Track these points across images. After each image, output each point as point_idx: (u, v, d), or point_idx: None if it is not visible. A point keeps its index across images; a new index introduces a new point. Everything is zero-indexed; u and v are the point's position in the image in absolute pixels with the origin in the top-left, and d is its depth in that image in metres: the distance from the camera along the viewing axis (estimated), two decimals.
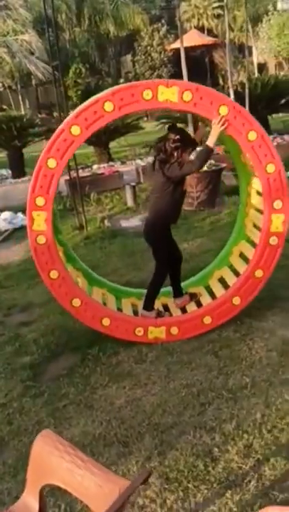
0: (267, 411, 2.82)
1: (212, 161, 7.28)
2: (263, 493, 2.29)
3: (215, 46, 26.24)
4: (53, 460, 1.52)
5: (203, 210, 6.93)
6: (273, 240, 3.60)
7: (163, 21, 25.60)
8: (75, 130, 3.33)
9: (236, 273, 3.98)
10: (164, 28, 25.09)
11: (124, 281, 4.91)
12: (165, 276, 3.98)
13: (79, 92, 23.32)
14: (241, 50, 23.56)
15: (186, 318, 3.77)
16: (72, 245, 6.47)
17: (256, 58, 24.68)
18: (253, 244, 3.88)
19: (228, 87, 18.93)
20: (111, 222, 7.13)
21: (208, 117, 3.48)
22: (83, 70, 22.92)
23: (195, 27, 27.37)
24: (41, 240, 3.45)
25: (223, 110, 3.37)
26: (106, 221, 7.10)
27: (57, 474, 1.51)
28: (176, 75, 23.48)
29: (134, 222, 7.03)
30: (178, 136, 3.58)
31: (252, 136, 3.41)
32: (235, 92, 9.64)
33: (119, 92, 3.32)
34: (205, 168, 6.99)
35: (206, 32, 27.50)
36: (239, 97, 9.09)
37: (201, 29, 27.40)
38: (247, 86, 8.57)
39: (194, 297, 4.10)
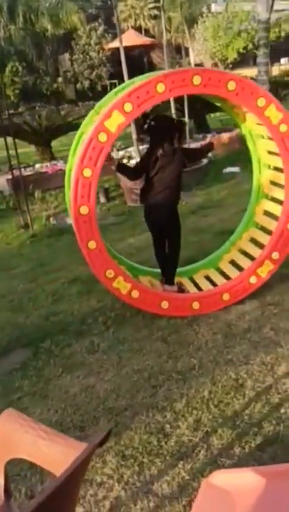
0: (214, 388, 3.02)
1: None
2: (212, 460, 2.47)
3: (153, 46, 26.65)
4: (17, 435, 1.62)
5: (142, 203, 7.09)
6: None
7: (100, 20, 25.64)
8: (128, 107, 3.40)
9: (248, 256, 4.27)
10: (102, 28, 25.15)
11: (73, 276, 4.99)
12: (179, 247, 4.23)
13: (17, 91, 22.95)
14: (178, 51, 24.04)
15: (208, 294, 4.01)
16: (18, 244, 6.48)
17: (193, 59, 25.27)
18: (265, 230, 4.23)
19: None
20: (57, 219, 7.16)
21: (246, 106, 3.71)
22: (20, 68, 22.56)
23: (132, 27, 27.62)
24: (84, 210, 3.52)
25: (261, 102, 3.59)
26: (52, 219, 7.12)
27: (22, 448, 1.61)
28: (116, 74, 23.65)
29: None
30: (180, 123, 4.06)
31: (261, 102, 3.63)
32: None
33: (171, 75, 3.45)
34: None
35: (143, 32, 27.83)
36: (178, 97, 9.34)
37: (138, 29, 27.68)
38: None
39: (182, 292, 4.24)
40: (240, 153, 8.39)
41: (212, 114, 13.59)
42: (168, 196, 4.01)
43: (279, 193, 4.08)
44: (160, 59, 26.68)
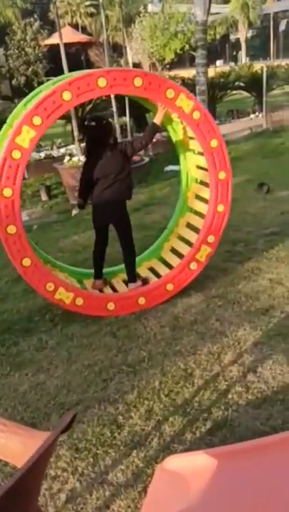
0: (164, 379, 3.09)
1: None
2: (164, 447, 2.54)
3: (90, 44, 26.49)
4: None
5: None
6: (221, 207, 4.05)
7: (35, 16, 25.14)
8: (66, 95, 3.38)
9: (187, 242, 4.35)
10: (37, 23, 24.68)
11: (17, 275, 4.89)
12: (133, 245, 4.22)
13: None
14: (116, 50, 24.11)
15: (153, 287, 4.04)
16: None
17: (131, 58, 25.42)
18: (198, 214, 4.35)
19: None
20: None
21: (156, 99, 3.74)
22: None
23: (69, 24, 27.34)
24: (12, 230, 3.46)
25: (170, 93, 3.65)
26: None
27: None
28: (52, 70, 23.29)
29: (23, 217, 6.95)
30: (105, 122, 4.03)
31: (196, 115, 3.77)
32: None
33: (75, 81, 3.42)
34: None
35: (80, 30, 27.62)
36: (117, 96, 9.39)
37: (75, 26, 27.44)
38: None
39: (146, 282, 4.22)
40: (181, 152, 8.57)
41: (152, 113, 13.75)
42: (114, 193, 3.99)
43: (205, 176, 4.20)
44: (98, 57, 26.57)
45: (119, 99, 9.27)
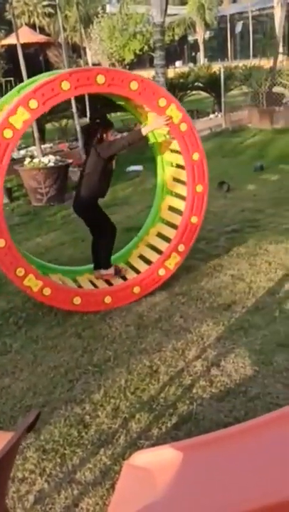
0: (129, 376, 3.13)
1: (58, 157, 7.44)
2: (131, 444, 2.58)
3: (48, 44, 26.22)
4: None
5: (53, 205, 7.06)
6: (194, 219, 4.19)
7: None
8: (65, 85, 3.44)
9: (156, 250, 4.45)
10: None
11: None
12: (111, 236, 4.30)
13: None
14: (75, 50, 23.97)
15: (120, 288, 4.11)
16: None
17: (90, 59, 25.33)
18: (170, 225, 4.48)
19: None
20: None
21: (149, 106, 3.86)
22: None
23: (26, 24, 26.98)
24: None
25: (162, 102, 3.77)
26: None
27: None
28: (10, 71, 22.93)
29: None
30: (98, 120, 4.10)
31: (183, 127, 3.89)
32: None
33: (76, 73, 3.52)
34: (52, 163, 7.14)
35: (38, 30, 27.30)
36: (78, 96, 9.36)
37: (32, 26, 27.10)
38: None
39: (119, 272, 4.37)
40: (143, 153, 8.63)
41: (113, 114, 13.76)
42: (85, 188, 4.08)
43: (182, 190, 4.30)
44: (57, 58, 26.34)
45: (80, 100, 9.24)
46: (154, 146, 4.55)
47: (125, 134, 7.22)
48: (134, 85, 3.67)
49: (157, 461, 2.31)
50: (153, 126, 3.97)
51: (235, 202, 6.56)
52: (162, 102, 3.80)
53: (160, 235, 4.61)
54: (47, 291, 3.79)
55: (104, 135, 4.01)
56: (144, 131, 3.92)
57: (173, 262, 4.21)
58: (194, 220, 4.22)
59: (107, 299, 4.00)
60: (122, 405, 2.87)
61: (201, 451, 2.28)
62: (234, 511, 1.88)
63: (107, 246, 4.33)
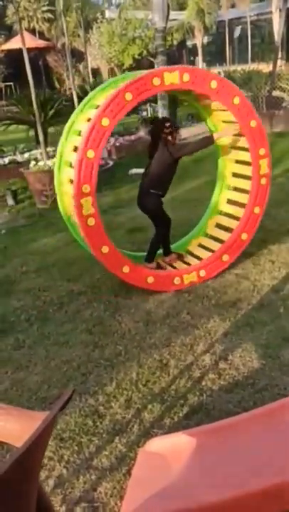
0: (140, 370, 3.24)
1: None
2: (145, 432, 2.68)
3: (48, 49, 26.42)
4: None
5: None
6: (263, 181, 4.44)
7: None
8: (128, 96, 3.76)
9: (216, 240, 4.76)
10: None
11: None
12: (164, 236, 4.67)
13: None
14: (74, 55, 24.14)
15: (209, 261, 4.47)
16: None
17: (90, 63, 25.51)
18: (230, 216, 4.80)
19: (65, 90, 19.15)
20: None
21: (225, 104, 4.15)
22: None
23: (26, 29, 27.15)
24: (86, 188, 3.79)
25: (236, 100, 4.11)
26: None
27: None
28: (11, 75, 23.08)
29: None
30: (168, 123, 4.31)
31: (236, 100, 4.13)
32: (77, 95, 10.02)
33: (133, 83, 3.78)
34: None
35: (37, 35, 27.49)
36: (81, 99, 9.49)
37: (32, 31, 27.30)
38: (89, 88, 9.00)
39: (181, 257, 4.76)
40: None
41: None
42: (153, 186, 4.39)
43: (244, 184, 4.60)
44: (56, 62, 26.54)
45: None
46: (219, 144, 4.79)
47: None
48: (214, 84, 3.99)
49: (171, 447, 2.42)
50: (224, 134, 4.29)
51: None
52: (237, 100, 4.12)
53: (219, 226, 4.92)
54: (126, 269, 4.12)
55: (174, 136, 4.31)
56: (216, 136, 4.23)
57: (237, 251, 4.55)
58: (257, 210, 4.52)
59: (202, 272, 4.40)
60: (134, 397, 2.98)
61: (213, 437, 2.39)
62: (245, 491, 1.99)
63: (158, 243, 4.65)
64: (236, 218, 4.67)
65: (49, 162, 7.38)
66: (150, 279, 4.22)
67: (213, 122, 4.69)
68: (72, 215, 4.29)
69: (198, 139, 4.41)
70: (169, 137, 4.30)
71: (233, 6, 25.14)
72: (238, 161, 4.76)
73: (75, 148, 4.18)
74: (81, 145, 3.78)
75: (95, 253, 4.03)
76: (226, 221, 4.87)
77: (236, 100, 4.14)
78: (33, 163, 7.46)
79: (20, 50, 7.68)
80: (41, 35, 27.79)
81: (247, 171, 4.57)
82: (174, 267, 4.61)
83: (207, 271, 4.44)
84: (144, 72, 3.90)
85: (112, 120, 3.77)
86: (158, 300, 4.17)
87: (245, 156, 4.53)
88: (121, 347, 3.53)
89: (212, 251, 4.63)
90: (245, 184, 4.61)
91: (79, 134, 4.24)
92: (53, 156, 7.90)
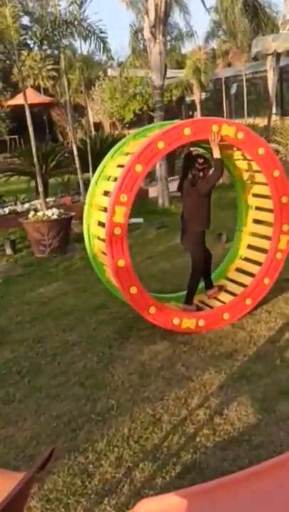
0: (133, 425, 3.13)
1: (61, 210, 7.67)
2: (135, 493, 2.56)
3: (52, 105, 27.46)
4: None
5: (55, 256, 7.20)
6: (279, 255, 4.59)
7: None
8: (160, 144, 3.98)
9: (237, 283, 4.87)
10: (0, 85, 25.56)
11: None
12: (202, 274, 4.76)
13: None
14: (76, 110, 25.05)
15: (210, 313, 4.50)
16: None
17: (92, 118, 26.41)
18: (250, 261, 4.96)
19: (68, 143, 19.71)
20: None
21: (250, 154, 4.37)
22: None
23: (31, 86, 28.36)
24: (118, 231, 3.90)
25: (214, 128, 4.19)
26: None
27: None
28: (15, 129, 23.86)
29: None
30: (202, 160, 4.45)
31: (261, 150, 4.32)
32: (77, 148, 10.30)
33: (166, 132, 4.05)
34: (55, 216, 7.36)
35: (42, 91, 28.68)
36: (81, 152, 9.77)
37: (37, 88, 28.49)
38: (88, 142, 9.28)
39: (222, 288, 4.86)
40: (141, 206, 8.90)
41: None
42: (194, 224, 4.54)
43: (266, 231, 4.77)
44: (59, 116, 27.46)
45: (83, 156, 9.62)
46: (238, 182, 5.02)
47: None
48: (240, 135, 4.21)
49: (162, 509, 2.30)
50: (214, 147, 4.25)
51: None
52: (261, 151, 4.31)
53: (239, 270, 5.07)
54: (152, 310, 4.19)
55: (207, 172, 4.43)
56: (217, 155, 4.27)
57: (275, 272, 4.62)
58: (279, 255, 4.61)
59: (226, 315, 4.45)
60: (125, 454, 2.87)
61: (207, 498, 2.27)
62: None
63: (196, 282, 4.71)
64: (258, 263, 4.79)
65: (48, 212, 7.48)
66: (176, 321, 4.25)
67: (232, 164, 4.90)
68: (98, 256, 4.51)
69: (214, 167, 4.48)
70: (201, 173, 4.42)
71: (229, 65, 26.34)
72: (258, 208, 4.96)
73: (105, 193, 4.39)
74: (115, 189, 3.94)
75: (123, 293, 4.11)
76: (247, 266, 4.99)
77: (261, 151, 4.31)
78: (32, 213, 7.56)
79: (23, 106, 7.96)
80: (46, 92, 29.00)
81: (268, 217, 4.70)
82: (221, 301, 4.71)
83: (231, 314, 4.48)
84: (177, 122, 4.17)
85: (145, 166, 3.95)
86: (153, 351, 4.10)
87: (266, 204, 4.71)
88: (113, 401, 3.43)
89: (234, 294, 4.70)
90: (267, 231, 4.75)
91: (108, 179, 4.45)
92: (52, 207, 8.04)
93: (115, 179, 4.19)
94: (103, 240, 4.23)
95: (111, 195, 4.01)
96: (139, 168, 3.93)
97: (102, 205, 4.43)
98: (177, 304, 4.69)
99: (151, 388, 3.54)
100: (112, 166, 4.47)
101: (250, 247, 5.06)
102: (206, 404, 3.29)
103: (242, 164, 4.83)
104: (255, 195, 4.93)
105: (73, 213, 7.76)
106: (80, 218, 8.50)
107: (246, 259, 5.05)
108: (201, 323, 4.35)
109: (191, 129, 4.06)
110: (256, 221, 5.05)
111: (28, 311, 5.23)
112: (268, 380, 3.51)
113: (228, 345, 4.10)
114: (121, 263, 4.01)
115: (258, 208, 4.98)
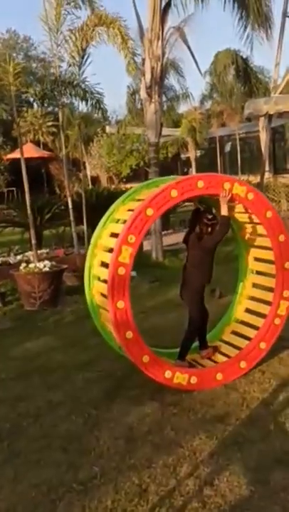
0: (117, 496, 2.91)
1: (53, 263, 7.61)
2: None
3: (50, 159, 28.13)
4: None
5: (46, 309, 7.06)
6: (277, 320, 4.50)
7: None
8: (174, 193, 4.03)
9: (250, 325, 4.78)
10: (0, 139, 26.28)
11: None
12: (198, 332, 4.64)
13: None
14: (75, 164, 25.64)
15: (203, 372, 4.39)
16: None
17: (89, 172, 27.01)
18: (245, 324, 4.86)
19: (64, 196, 20.09)
20: None
21: (258, 215, 4.39)
22: None
23: (31, 141, 29.16)
24: (122, 271, 3.87)
25: (226, 185, 4.25)
26: None
27: None
28: (13, 182, 24.29)
29: None
30: (211, 215, 4.47)
31: (269, 214, 4.36)
32: (73, 200, 10.39)
33: (180, 182, 4.16)
34: (47, 268, 7.29)
35: (41, 146, 29.47)
36: (77, 205, 9.83)
37: (36, 143, 29.28)
38: (83, 195, 9.39)
39: (216, 349, 4.74)
40: (135, 259, 8.85)
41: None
42: (196, 277, 4.52)
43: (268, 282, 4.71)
44: (57, 170, 28.04)
45: (78, 208, 9.68)
46: (239, 236, 5.00)
47: None
48: (250, 196, 4.28)
49: None
50: (223, 204, 4.27)
51: (227, 309, 6.58)
52: (269, 214, 4.36)
53: (234, 332, 4.96)
54: (168, 374, 4.10)
55: (215, 228, 4.42)
56: (225, 212, 4.30)
57: (272, 337, 4.52)
58: (286, 294, 4.53)
59: (219, 376, 4.30)
60: None
61: None
62: None
63: (192, 339, 4.62)
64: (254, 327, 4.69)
65: (39, 264, 7.41)
66: (168, 374, 4.12)
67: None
68: (95, 298, 4.48)
69: (220, 225, 4.47)
70: (209, 229, 4.43)
71: (223, 124, 27.29)
72: (258, 272, 4.96)
73: (112, 235, 4.37)
74: (124, 230, 3.97)
75: (118, 338, 4.04)
76: (243, 329, 4.89)
77: (269, 214, 4.36)
78: (23, 265, 7.49)
79: (24, 159, 8.08)
80: (45, 146, 29.78)
81: (269, 282, 4.68)
82: (214, 361, 4.62)
83: (224, 375, 4.34)
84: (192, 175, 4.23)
85: (155, 212, 3.99)
86: (141, 413, 3.90)
87: (265, 268, 4.75)
88: (97, 468, 3.21)
89: (229, 356, 4.60)
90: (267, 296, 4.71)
91: (117, 222, 4.47)
92: (45, 259, 7.98)
93: (124, 222, 4.21)
94: (104, 281, 4.24)
95: (119, 236, 4.03)
96: (150, 212, 3.97)
97: (107, 245, 4.43)
98: (169, 360, 4.53)
99: (138, 455, 3.33)
100: (122, 210, 4.52)
101: (248, 310, 4.99)
102: (196, 474, 3.09)
103: (248, 227, 4.84)
104: (257, 260, 4.94)
105: (65, 266, 7.70)
106: (74, 271, 8.51)
107: (243, 323, 4.98)
108: (194, 380, 4.19)
109: (205, 183, 4.16)
110: (255, 285, 5.02)
111: (13, 367, 5.03)
112: (261, 447, 3.32)
113: (220, 407, 3.92)
114: (120, 304, 3.95)
115: (259, 273, 4.97)
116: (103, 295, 4.29)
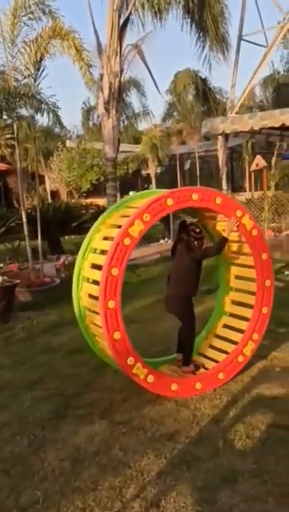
0: None
1: (5, 277, 7.41)
2: None
3: (8, 172, 27.70)
4: None
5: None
6: (255, 336, 4.65)
7: None
8: (146, 217, 4.03)
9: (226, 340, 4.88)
10: None
11: None
12: (194, 335, 4.69)
13: None
14: (34, 178, 25.41)
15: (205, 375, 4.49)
16: None
17: (49, 186, 26.75)
18: (237, 317, 4.94)
19: (22, 210, 19.81)
20: None
21: (228, 216, 4.47)
22: None
23: None
24: (111, 304, 3.90)
25: (238, 213, 4.44)
26: None
27: None
28: None
29: None
30: (198, 229, 4.54)
31: (238, 213, 4.46)
32: (29, 215, 10.22)
33: (177, 192, 4.27)
34: None
35: (0, 159, 29.00)
36: (32, 219, 9.66)
37: None
38: (38, 209, 9.22)
39: (198, 368, 4.67)
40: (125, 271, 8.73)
41: (66, 237, 14.18)
42: (181, 289, 4.53)
43: (249, 286, 4.80)
44: (15, 183, 27.66)
45: (33, 222, 9.51)
46: (224, 264, 5.09)
47: None
48: (218, 200, 4.37)
49: None
50: (229, 229, 4.45)
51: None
52: (238, 213, 4.45)
53: (227, 326, 5.02)
54: (150, 379, 4.13)
55: (202, 242, 4.55)
56: (227, 234, 4.46)
57: (249, 349, 4.62)
58: (265, 310, 4.67)
59: (198, 385, 4.35)
60: None
61: None
62: None
63: (191, 344, 4.66)
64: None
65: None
66: (150, 378, 4.15)
67: (216, 233, 4.93)
68: (90, 327, 4.51)
69: (216, 242, 4.62)
70: (196, 242, 4.51)
71: (183, 142, 27.76)
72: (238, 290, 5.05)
73: (93, 266, 4.39)
74: (119, 233, 3.98)
75: (119, 363, 4.07)
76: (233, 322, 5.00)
77: (238, 213, 4.46)
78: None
79: None
80: (3, 159, 29.33)
81: (248, 299, 4.80)
82: (206, 368, 4.67)
83: (225, 373, 4.50)
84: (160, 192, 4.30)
85: (152, 218, 4.03)
86: (90, 433, 3.80)
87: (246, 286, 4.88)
88: (40, 492, 3.08)
89: (226, 352, 4.71)
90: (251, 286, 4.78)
91: (94, 252, 4.47)
92: None
93: (118, 226, 4.22)
94: (94, 282, 4.32)
95: (114, 239, 4.03)
96: (147, 217, 4.02)
97: (102, 248, 4.45)
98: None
99: (84, 476, 3.22)
100: (97, 238, 4.54)
101: (225, 326, 5.07)
102: (143, 495, 3.01)
103: (232, 245, 4.91)
104: (238, 277, 5.03)
105: (18, 281, 7.50)
106: (27, 286, 8.31)
107: (219, 337, 5.05)
108: (174, 387, 4.28)
109: (199, 196, 4.25)
110: (235, 302, 5.08)
111: None
112: (209, 466, 3.28)
113: (170, 425, 3.86)
114: (111, 304, 3.96)
115: (237, 290, 5.05)
116: (92, 296, 4.34)
